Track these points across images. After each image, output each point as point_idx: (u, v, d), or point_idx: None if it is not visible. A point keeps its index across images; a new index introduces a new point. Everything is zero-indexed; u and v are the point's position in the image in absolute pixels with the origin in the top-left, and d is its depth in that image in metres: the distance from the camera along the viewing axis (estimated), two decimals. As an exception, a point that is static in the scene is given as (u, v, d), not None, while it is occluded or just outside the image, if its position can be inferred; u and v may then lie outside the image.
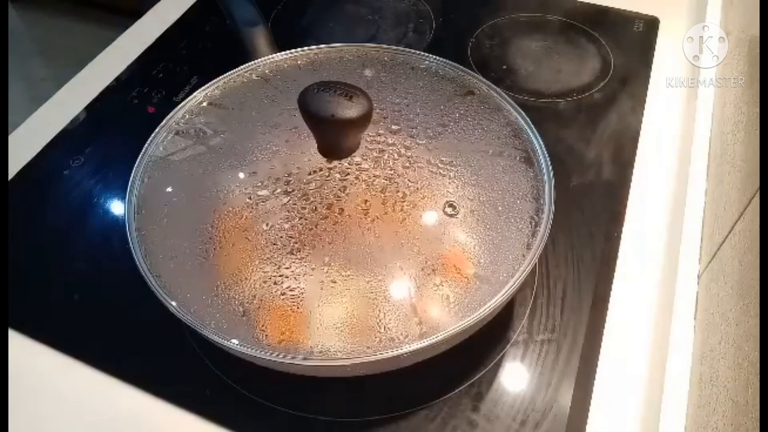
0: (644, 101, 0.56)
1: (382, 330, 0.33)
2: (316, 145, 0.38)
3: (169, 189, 0.39)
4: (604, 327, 0.42)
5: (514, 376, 0.40)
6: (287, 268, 0.35)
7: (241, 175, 0.39)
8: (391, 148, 0.38)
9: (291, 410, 0.38)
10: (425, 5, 0.67)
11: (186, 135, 0.42)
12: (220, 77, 0.44)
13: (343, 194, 0.36)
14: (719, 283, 0.39)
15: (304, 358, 0.32)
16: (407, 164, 0.38)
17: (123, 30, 0.66)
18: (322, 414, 0.38)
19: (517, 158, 0.39)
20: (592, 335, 0.41)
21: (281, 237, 0.35)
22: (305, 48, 0.46)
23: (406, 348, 0.32)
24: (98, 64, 0.63)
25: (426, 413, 0.38)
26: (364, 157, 0.38)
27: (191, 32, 0.65)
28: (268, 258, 0.35)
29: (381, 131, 0.39)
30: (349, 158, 0.37)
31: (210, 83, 0.44)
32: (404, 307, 0.34)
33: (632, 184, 0.50)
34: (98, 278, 0.46)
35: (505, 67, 0.60)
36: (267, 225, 0.36)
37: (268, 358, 0.32)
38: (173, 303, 0.33)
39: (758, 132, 0.41)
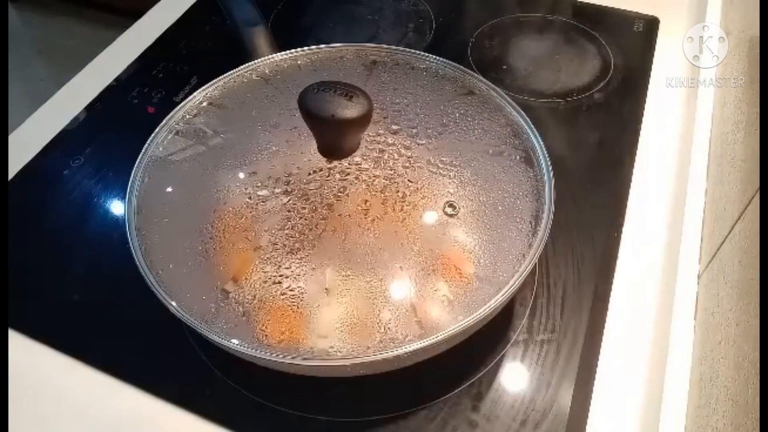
0: (644, 101, 0.56)
1: (382, 330, 0.33)
2: (316, 145, 0.38)
3: (169, 189, 0.39)
4: (604, 327, 0.42)
5: (514, 376, 0.40)
6: (287, 268, 0.35)
7: (241, 175, 0.39)
8: (391, 148, 0.38)
9: (291, 410, 0.38)
10: (425, 5, 0.67)
11: (186, 135, 0.42)
12: (220, 77, 0.44)
13: (343, 194, 0.36)
14: (719, 283, 0.39)
15: (304, 358, 0.32)
16: (407, 164, 0.38)
17: (123, 30, 0.66)
18: (322, 414, 0.38)
19: (517, 158, 0.39)
20: (592, 335, 0.41)
21: (281, 237, 0.35)
22: (305, 48, 0.46)
23: (406, 348, 0.32)
24: (98, 64, 0.63)
25: (426, 413, 0.38)
26: (364, 157, 0.38)
27: (191, 32, 0.65)
28: (268, 258, 0.35)
29: (381, 131, 0.39)
30: (349, 158, 0.37)
31: (210, 83, 0.44)
32: (404, 307, 0.34)
33: (632, 184, 0.50)
34: (98, 278, 0.46)
35: (505, 67, 0.60)
36: (267, 225, 0.36)
37: (268, 358, 0.32)
38: (173, 303, 0.33)
39: (758, 132, 0.41)
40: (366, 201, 0.36)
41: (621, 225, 0.47)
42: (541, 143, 0.39)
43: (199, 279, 0.35)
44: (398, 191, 0.37)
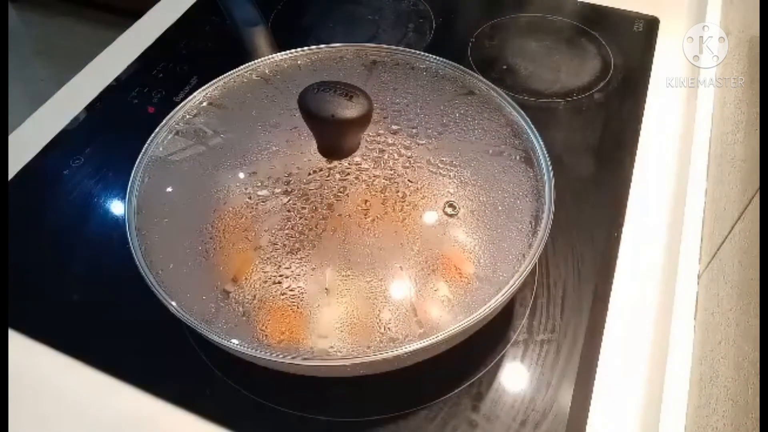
0: (644, 101, 0.56)
1: (382, 330, 0.33)
2: (316, 145, 0.38)
3: (169, 189, 0.39)
4: (604, 327, 0.42)
5: (514, 376, 0.40)
6: (287, 268, 0.35)
7: (241, 175, 0.39)
8: (391, 148, 0.38)
9: (291, 410, 0.38)
10: (425, 5, 0.67)
11: (186, 135, 0.42)
12: (220, 77, 0.44)
13: (343, 194, 0.36)
14: (719, 283, 0.39)
15: (304, 358, 0.32)
16: (407, 164, 0.38)
17: (123, 30, 0.66)
18: (322, 414, 0.38)
19: (517, 158, 0.39)
20: (592, 335, 0.41)
21: (281, 237, 0.35)
22: (305, 48, 0.46)
23: (406, 348, 0.32)
24: (98, 64, 0.63)
25: (426, 413, 0.38)
26: (364, 157, 0.38)
27: (191, 32, 0.65)
28: (268, 258, 0.35)
29: (381, 131, 0.39)
30: (349, 158, 0.37)
31: (210, 83, 0.44)
32: (404, 307, 0.34)
33: (632, 184, 0.50)
34: (98, 278, 0.46)
35: (505, 67, 0.60)
36: (267, 225, 0.36)
37: (268, 358, 0.32)
38: (173, 303, 0.33)
39: (758, 132, 0.41)
40: (366, 201, 0.36)
41: (621, 225, 0.47)
42: (541, 143, 0.39)
43: (199, 279, 0.35)
44: (398, 191, 0.37)
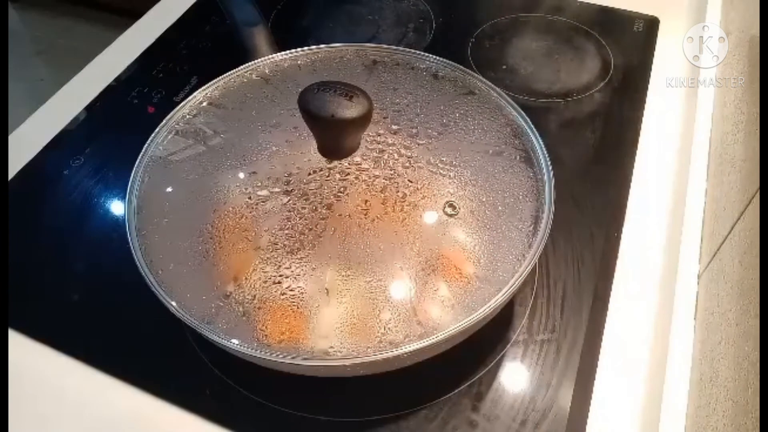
0: (644, 101, 0.56)
1: (382, 330, 0.33)
2: (316, 145, 0.38)
3: (169, 189, 0.39)
4: (604, 327, 0.42)
5: (514, 376, 0.40)
6: (287, 268, 0.35)
7: (241, 175, 0.39)
8: (391, 148, 0.38)
9: (291, 410, 0.38)
10: (425, 5, 0.67)
11: (186, 135, 0.42)
12: (220, 77, 0.44)
13: (343, 194, 0.36)
14: (719, 283, 0.39)
15: (304, 358, 0.32)
16: (407, 164, 0.38)
17: (123, 30, 0.66)
18: (322, 414, 0.38)
19: (517, 158, 0.39)
20: (592, 335, 0.41)
21: (281, 237, 0.35)
22: (305, 48, 0.46)
23: (406, 348, 0.31)
24: (98, 64, 0.63)
25: (426, 413, 0.38)
26: (364, 157, 0.38)
27: (191, 32, 0.65)
28: (268, 258, 0.35)
29: (381, 131, 0.39)
30: (349, 158, 0.37)
31: (210, 83, 0.44)
32: (404, 307, 0.34)
33: (632, 184, 0.50)
34: (98, 278, 0.46)
35: (505, 67, 0.60)
36: (267, 225, 0.36)
37: (268, 358, 0.32)
38: (173, 303, 0.33)
39: (758, 132, 0.41)
40: (366, 201, 0.36)
41: (621, 225, 0.47)
42: (541, 143, 0.39)
43: (199, 279, 0.35)
44: (398, 191, 0.37)
